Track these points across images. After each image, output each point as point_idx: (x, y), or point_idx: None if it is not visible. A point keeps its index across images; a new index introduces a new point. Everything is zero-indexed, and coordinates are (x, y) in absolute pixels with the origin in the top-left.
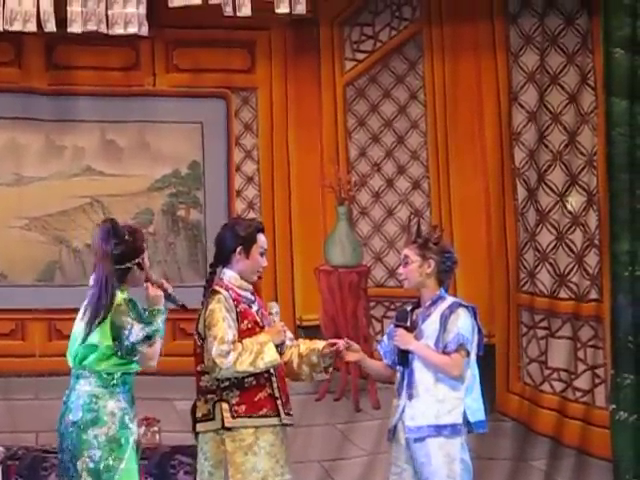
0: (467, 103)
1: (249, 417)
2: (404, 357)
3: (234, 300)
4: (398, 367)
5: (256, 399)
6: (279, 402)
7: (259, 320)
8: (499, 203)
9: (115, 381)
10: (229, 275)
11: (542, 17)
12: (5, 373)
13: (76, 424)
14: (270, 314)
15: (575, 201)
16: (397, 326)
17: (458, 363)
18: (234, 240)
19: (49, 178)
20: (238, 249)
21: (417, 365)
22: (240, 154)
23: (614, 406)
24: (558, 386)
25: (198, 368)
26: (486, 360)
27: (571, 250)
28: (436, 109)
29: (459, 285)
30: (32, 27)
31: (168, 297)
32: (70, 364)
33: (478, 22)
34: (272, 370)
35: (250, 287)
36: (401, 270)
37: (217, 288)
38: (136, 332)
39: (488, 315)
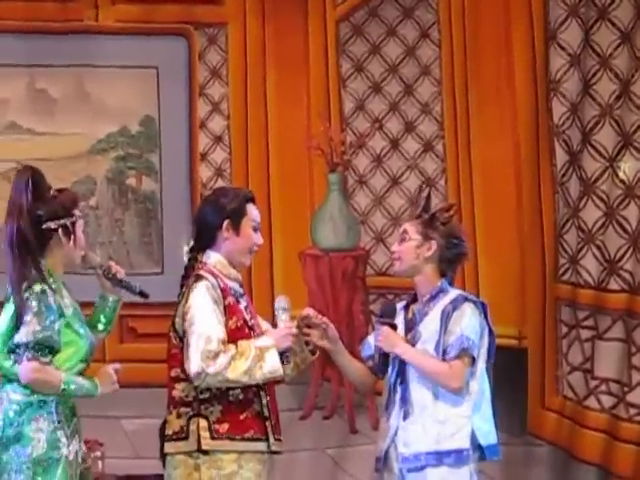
0: (492, 42)
1: (231, 440)
2: (386, 363)
3: (222, 290)
4: (388, 377)
5: (242, 417)
6: (268, 423)
7: (247, 319)
8: (532, 170)
9: None
10: (215, 259)
11: None
12: None
13: None
14: (277, 311)
15: (628, 168)
16: (381, 323)
17: (458, 373)
18: (218, 214)
19: None
20: (225, 224)
21: (412, 375)
22: (205, 107)
23: None
24: (607, 401)
25: (172, 373)
26: (515, 368)
27: (624, 229)
28: (453, 50)
29: (482, 274)
30: None
31: (120, 283)
32: None
33: None
34: (261, 383)
35: (239, 277)
36: (395, 247)
37: (202, 273)
38: (34, 325)
39: (518, 311)
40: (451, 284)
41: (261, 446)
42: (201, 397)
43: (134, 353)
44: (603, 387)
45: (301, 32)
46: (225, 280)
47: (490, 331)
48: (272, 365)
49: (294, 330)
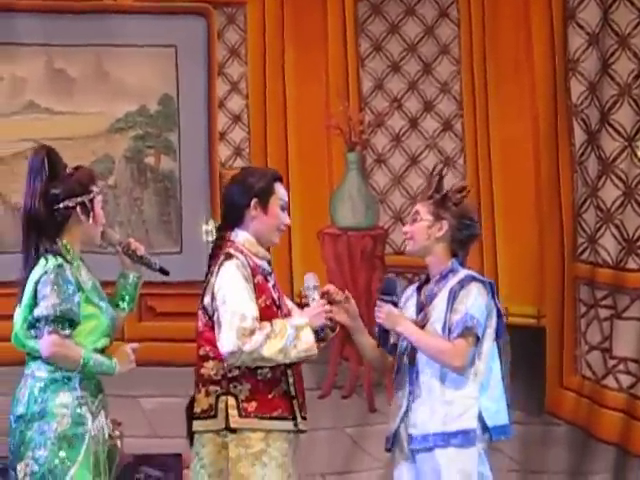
0: (511, 21)
1: (259, 418)
2: (386, 340)
3: (251, 269)
4: (398, 355)
5: (270, 396)
6: (295, 402)
7: (276, 298)
8: (551, 150)
9: None
10: (243, 237)
11: None
12: None
13: (21, 419)
14: (307, 290)
15: None
16: (383, 301)
17: (461, 351)
18: (247, 193)
19: None
20: (253, 203)
21: (420, 357)
22: (224, 86)
23: None
24: (625, 380)
25: (200, 352)
26: (534, 347)
27: None
28: (472, 29)
29: (500, 252)
30: None
31: (140, 260)
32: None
33: None
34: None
35: (267, 255)
36: (407, 228)
37: (231, 251)
38: (53, 300)
39: (537, 290)
40: (462, 265)
41: (288, 425)
42: (230, 375)
43: (153, 332)
44: (621, 366)
45: (320, 11)
46: (254, 259)
47: (498, 311)
48: (307, 343)
49: (327, 307)
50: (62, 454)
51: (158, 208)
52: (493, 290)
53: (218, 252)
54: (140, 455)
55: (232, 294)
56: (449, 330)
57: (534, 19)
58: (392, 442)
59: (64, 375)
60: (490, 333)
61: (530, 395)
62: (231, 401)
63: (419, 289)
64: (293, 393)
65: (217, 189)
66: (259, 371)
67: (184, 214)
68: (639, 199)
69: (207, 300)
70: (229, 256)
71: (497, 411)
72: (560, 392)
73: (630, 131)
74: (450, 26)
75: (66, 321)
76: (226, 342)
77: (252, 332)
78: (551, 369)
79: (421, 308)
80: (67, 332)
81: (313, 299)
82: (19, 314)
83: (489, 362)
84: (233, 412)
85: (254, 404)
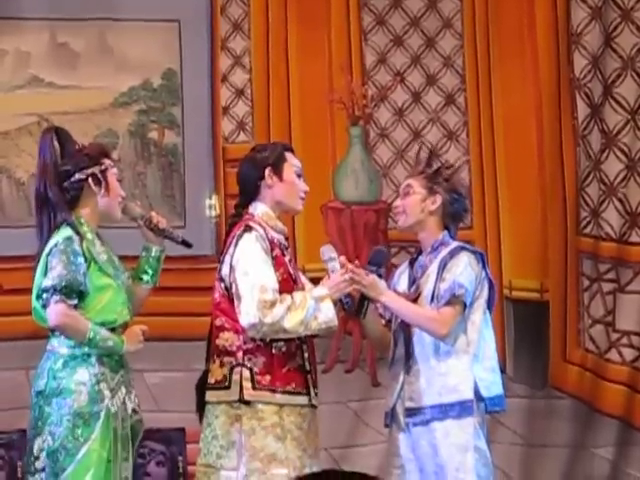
0: None
1: (272, 392)
2: (361, 308)
3: (269, 242)
4: (392, 331)
5: (284, 370)
6: (309, 377)
7: (292, 272)
8: (554, 122)
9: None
10: (261, 210)
11: None
12: None
13: (41, 394)
14: (326, 262)
15: None
16: (369, 270)
17: (446, 319)
18: (259, 165)
19: None
20: (267, 172)
21: (414, 330)
22: (228, 60)
23: None
24: (629, 354)
25: (217, 322)
26: (537, 321)
27: None
28: (475, 3)
29: (503, 226)
30: None
31: (162, 233)
32: None
33: None
34: (303, 337)
35: (285, 230)
36: (398, 202)
37: (251, 224)
38: (60, 269)
39: (540, 265)
40: (453, 238)
41: (301, 400)
42: (245, 348)
43: (155, 306)
44: (624, 340)
45: None
46: (271, 232)
47: (490, 282)
48: (327, 315)
49: (347, 276)
50: (77, 431)
51: (162, 182)
52: (484, 260)
53: (233, 230)
54: (144, 430)
55: (252, 266)
56: (437, 299)
57: None
58: (390, 417)
59: (84, 352)
60: (482, 303)
61: (533, 369)
62: (245, 373)
63: (411, 264)
64: (308, 367)
65: (220, 164)
66: (274, 344)
67: (187, 188)
68: None
69: (225, 271)
70: (248, 228)
71: (492, 382)
72: (563, 366)
73: (633, 104)
74: (453, 0)
75: (73, 292)
76: (247, 314)
77: (273, 304)
78: (554, 343)
79: (413, 281)
80: (74, 302)
81: (332, 270)
82: (34, 288)
83: (482, 332)
84: (247, 384)
85: (268, 377)
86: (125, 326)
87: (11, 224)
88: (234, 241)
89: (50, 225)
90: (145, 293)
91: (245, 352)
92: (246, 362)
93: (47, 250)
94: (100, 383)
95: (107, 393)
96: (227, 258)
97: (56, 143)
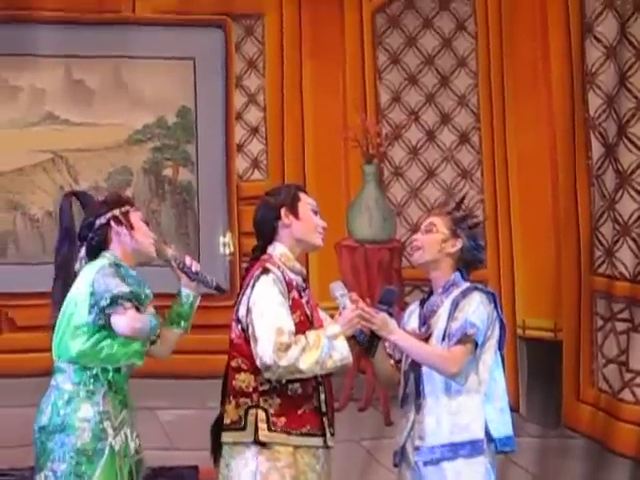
0: (528, 35)
1: (288, 434)
2: (371, 345)
3: (287, 284)
4: (403, 370)
5: (299, 412)
6: (325, 419)
7: (309, 314)
8: (568, 162)
9: (96, 378)
10: (280, 251)
11: None
12: None
13: (43, 430)
14: (336, 299)
15: None
16: (379, 309)
17: (457, 357)
18: (273, 206)
19: (1, 127)
20: (283, 211)
21: (424, 368)
22: (242, 98)
23: None
24: None
25: (233, 364)
26: (551, 360)
27: None
28: (489, 42)
29: (517, 265)
30: None
31: (195, 277)
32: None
33: None
34: (320, 378)
35: (303, 271)
36: (418, 236)
37: (269, 266)
38: (117, 283)
39: (554, 303)
40: (465, 279)
41: (317, 441)
42: (261, 389)
43: None
44: (638, 380)
45: (337, 23)
46: (289, 274)
47: (501, 322)
48: (342, 353)
49: (358, 312)
50: (80, 468)
51: (176, 220)
52: (496, 301)
53: (250, 270)
54: (157, 467)
55: (269, 308)
56: (448, 338)
57: (551, 32)
58: (400, 456)
59: (88, 389)
60: (493, 344)
61: (547, 408)
62: (261, 415)
63: (422, 303)
64: (324, 409)
65: (234, 201)
66: (290, 386)
67: (201, 226)
68: None
69: (242, 312)
70: (266, 270)
71: (502, 422)
72: (577, 405)
73: None
74: (467, 39)
75: (136, 300)
76: (263, 356)
77: (288, 347)
78: (568, 382)
79: (424, 321)
80: (139, 308)
81: (343, 307)
82: (62, 325)
83: (493, 372)
84: (262, 425)
85: (283, 419)
86: (131, 368)
87: (25, 260)
88: (251, 282)
89: (62, 276)
90: (176, 337)
91: (261, 393)
92: (262, 403)
93: (89, 278)
94: (104, 421)
95: (110, 431)
96: (244, 300)
97: (79, 203)
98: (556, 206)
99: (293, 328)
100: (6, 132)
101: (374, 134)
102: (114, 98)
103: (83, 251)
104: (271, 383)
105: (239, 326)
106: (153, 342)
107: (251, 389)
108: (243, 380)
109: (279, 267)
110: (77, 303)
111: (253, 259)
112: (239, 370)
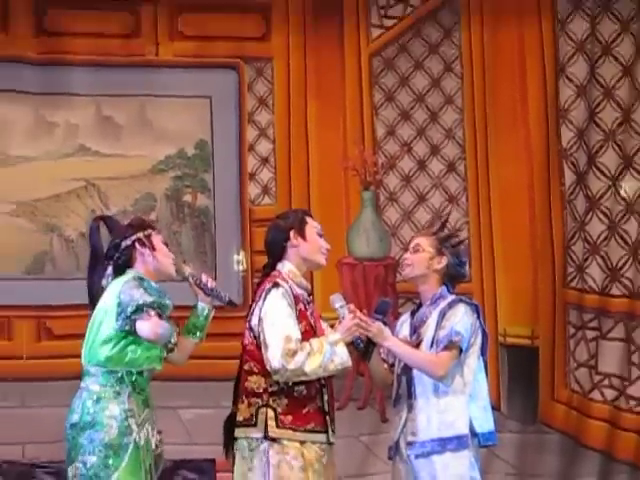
0: (508, 76)
1: (294, 430)
2: (367, 351)
3: (294, 297)
4: (396, 374)
5: (304, 411)
6: (328, 418)
7: (313, 324)
8: (544, 188)
9: (122, 380)
10: (288, 268)
11: None
12: None
13: (75, 426)
14: (336, 310)
15: (629, 186)
16: (375, 319)
17: (444, 362)
18: (283, 229)
19: (39, 158)
20: (292, 233)
21: (415, 372)
22: (253, 132)
23: None
24: (610, 394)
25: (245, 367)
26: (528, 364)
27: (625, 241)
28: (474, 82)
29: (499, 280)
30: None
31: (210, 292)
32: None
33: None
34: (323, 381)
35: (308, 287)
36: (408, 255)
37: (279, 281)
38: (141, 294)
39: (531, 314)
40: (450, 293)
41: (320, 437)
42: (270, 390)
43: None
44: (606, 381)
45: (338, 65)
46: (296, 289)
47: (483, 331)
48: (342, 357)
49: (356, 321)
50: (108, 461)
51: (195, 240)
52: (479, 312)
53: (262, 284)
54: (178, 460)
55: (278, 318)
56: (436, 344)
57: (529, 72)
58: (394, 451)
59: (114, 390)
60: (476, 350)
61: (525, 407)
62: (270, 413)
63: (412, 314)
64: (326, 409)
65: (247, 224)
66: (296, 388)
67: (218, 246)
68: (622, 233)
69: (254, 322)
70: (276, 285)
71: (485, 419)
72: (552, 404)
73: (614, 172)
74: (454, 79)
75: (157, 307)
76: (272, 360)
77: (295, 352)
78: (544, 384)
79: (414, 330)
80: (161, 315)
81: (342, 316)
82: (92, 332)
83: (476, 375)
84: (272, 423)
85: (290, 417)
86: (152, 371)
87: (61, 276)
88: (263, 295)
89: (91, 289)
90: (192, 346)
91: (270, 394)
92: (271, 403)
93: (116, 290)
94: (129, 418)
95: (135, 427)
96: (256, 310)
97: (103, 230)
98: (533, 227)
99: (299, 336)
100: (44, 163)
101: (371, 164)
102: (139, 132)
103: (110, 269)
104: (279, 385)
105: (251, 334)
106: (171, 350)
107: (261, 390)
108: (254, 382)
109: (287, 282)
110: (106, 313)
111: (264, 275)
112: (251, 373)
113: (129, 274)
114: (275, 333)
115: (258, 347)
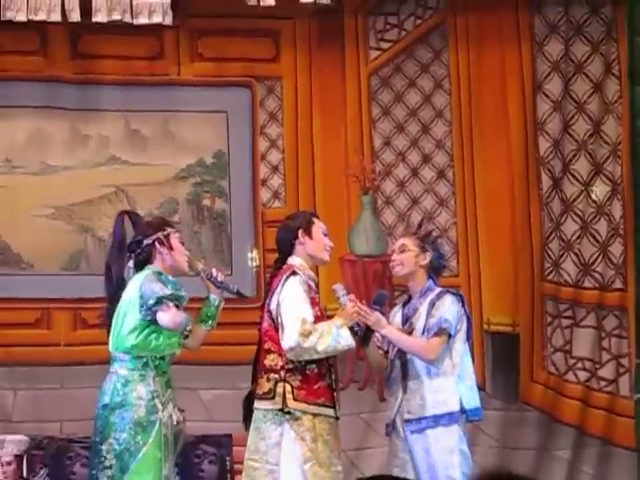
0: (492, 92)
1: (308, 404)
2: (366, 337)
3: (307, 286)
4: (390, 359)
5: (315, 387)
6: (335, 395)
7: (322, 311)
8: (524, 192)
9: (147, 364)
10: (298, 262)
11: (567, 6)
12: (30, 362)
13: (106, 407)
14: (338, 298)
15: (600, 191)
16: (373, 309)
17: (434, 347)
18: (292, 228)
19: (74, 167)
20: (300, 232)
21: (410, 356)
22: (265, 143)
23: (639, 395)
24: (582, 375)
25: (265, 346)
26: (510, 349)
27: (596, 240)
28: (461, 98)
29: (484, 275)
30: (56, 17)
31: (220, 285)
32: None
33: (502, 11)
34: (331, 361)
35: (315, 278)
36: (395, 257)
37: (296, 270)
38: (160, 287)
39: (513, 304)
40: (436, 285)
41: (329, 411)
42: (286, 367)
43: (209, 338)
44: (579, 364)
45: (340, 83)
46: (307, 279)
47: (468, 318)
48: (347, 340)
49: (356, 309)
50: (137, 437)
51: (213, 240)
52: (463, 301)
53: (276, 275)
54: (199, 436)
55: (295, 302)
56: (427, 331)
57: (510, 90)
58: (391, 428)
59: (140, 373)
60: (462, 335)
61: (507, 387)
62: (287, 387)
63: (403, 305)
64: (334, 386)
65: (260, 225)
66: (308, 367)
67: (234, 245)
68: (593, 232)
69: (272, 306)
70: (294, 273)
71: (472, 397)
72: (531, 385)
73: (586, 178)
74: (444, 95)
75: (175, 299)
76: (289, 340)
77: (310, 333)
78: (524, 367)
79: (406, 320)
80: (178, 306)
81: (344, 304)
82: (118, 322)
83: (463, 358)
84: (289, 396)
85: (303, 392)
86: (173, 356)
87: (94, 272)
88: (282, 282)
89: (110, 284)
90: (204, 333)
91: (287, 371)
92: (287, 378)
93: (137, 284)
94: (155, 399)
95: (159, 406)
96: (275, 296)
97: (127, 224)
98: (514, 227)
99: (313, 319)
100: (78, 171)
101: (369, 171)
102: (163, 143)
103: (131, 263)
104: (294, 363)
105: (270, 317)
106: (186, 336)
107: (279, 367)
108: (272, 360)
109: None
110: (129, 304)
111: (276, 269)
112: (270, 351)
113: (148, 269)
114: (292, 315)
115: (276, 329)
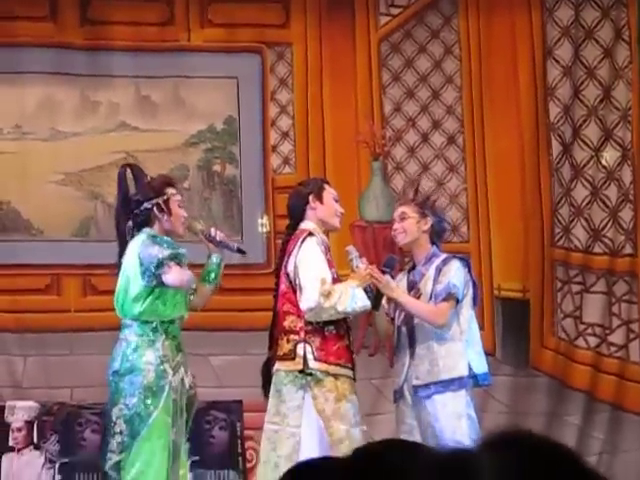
0: (502, 58)
1: (328, 364)
2: (378, 301)
3: (324, 247)
4: (396, 325)
5: (335, 348)
6: (354, 357)
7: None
8: (534, 158)
9: (156, 329)
10: (311, 226)
11: None
12: (40, 329)
13: (116, 373)
14: (350, 260)
15: (610, 156)
16: (383, 272)
17: (443, 311)
18: (303, 194)
19: (84, 133)
20: (311, 198)
21: (417, 322)
22: (275, 109)
23: None
24: (592, 341)
25: (284, 308)
26: (520, 315)
27: (606, 205)
28: (471, 64)
29: (494, 240)
30: None
31: (220, 244)
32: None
33: None
34: (348, 323)
35: (327, 241)
36: (396, 225)
37: (313, 231)
38: (158, 249)
39: (523, 270)
40: (440, 251)
41: (349, 372)
42: (305, 328)
43: (218, 304)
44: (589, 330)
45: (350, 49)
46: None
47: (474, 283)
48: (363, 300)
49: (369, 270)
50: (147, 401)
51: (224, 206)
52: (469, 266)
53: (289, 239)
54: (209, 402)
55: (314, 263)
56: (435, 297)
57: (520, 55)
58: (399, 395)
59: (149, 339)
60: (468, 300)
61: (518, 353)
62: (307, 348)
63: (408, 272)
64: (352, 348)
65: (270, 191)
66: (326, 328)
67: (244, 211)
68: (603, 198)
69: (290, 268)
70: (311, 234)
71: (480, 362)
72: (541, 350)
73: (596, 144)
74: (454, 61)
75: (176, 258)
76: (308, 300)
77: (330, 293)
78: (534, 332)
79: (412, 286)
80: (180, 264)
81: (357, 265)
82: (122, 288)
83: (470, 324)
84: (309, 356)
85: (323, 353)
86: (182, 319)
87: (104, 239)
88: (299, 244)
89: (125, 240)
90: (209, 292)
91: (306, 332)
92: (307, 339)
93: (135, 249)
94: (164, 363)
95: (169, 371)
96: (292, 258)
97: (129, 177)
98: (524, 193)
99: (331, 279)
100: (88, 138)
101: (380, 137)
102: (174, 110)
103: (131, 223)
104: (312, 324)
105: (288, 279)
106: (192, 294)
107: (298, 328)
108: (292, 321)
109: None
110: (131, 272)
111: (288, 234)
112: (289, 313)
113: (143, 234)
114: (312, 276)
115: (294, 291)
